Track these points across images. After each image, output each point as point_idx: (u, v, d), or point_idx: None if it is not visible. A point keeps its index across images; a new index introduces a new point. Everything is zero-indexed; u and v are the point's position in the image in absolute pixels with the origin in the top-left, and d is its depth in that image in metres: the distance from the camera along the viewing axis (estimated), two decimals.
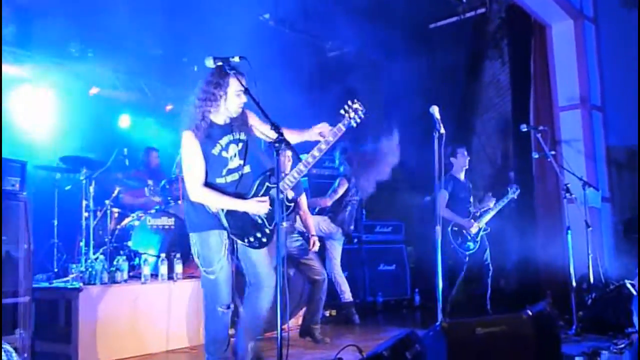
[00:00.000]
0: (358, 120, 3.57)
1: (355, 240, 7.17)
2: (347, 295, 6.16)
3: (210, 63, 3.16)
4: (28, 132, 6.33)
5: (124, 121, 7.51)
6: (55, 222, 5.66)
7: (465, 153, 5.97)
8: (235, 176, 3.44)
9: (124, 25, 6.13)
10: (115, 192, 5.93)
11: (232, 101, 3.35)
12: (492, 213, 5.88)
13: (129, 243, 5.60)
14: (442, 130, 3.62)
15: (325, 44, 8.78)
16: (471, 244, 5.77)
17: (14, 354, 3.15)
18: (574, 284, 5.32)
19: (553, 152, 6.05)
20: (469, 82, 7.62)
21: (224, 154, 3.40)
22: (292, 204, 3.59)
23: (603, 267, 6.28)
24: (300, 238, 5.15)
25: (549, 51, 7.55)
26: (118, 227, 5.89)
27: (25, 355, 3.59)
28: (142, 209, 6.08)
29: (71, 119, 6.71)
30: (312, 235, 5.24)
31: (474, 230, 5.79)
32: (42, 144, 6.34)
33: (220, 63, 3.15)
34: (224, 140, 3.39)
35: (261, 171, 3.57)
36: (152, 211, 5.85)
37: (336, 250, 6.18)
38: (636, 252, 6.16)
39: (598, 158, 7.34)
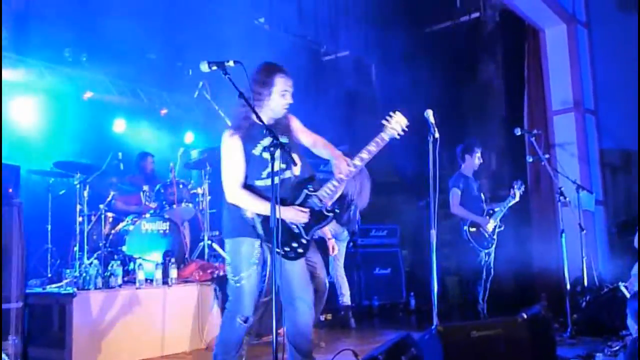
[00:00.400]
0: (401, 133, 3.39)
1: (351, 244, 7.17)
2: (347, 299, 6.11)
3: (205, 67, 3.09)
4: (22, 137, 6.30)
5: (119, 125, 7.49)
6: (49, 227, 5.64)
7: (480, 155, 5.90)
8: (276, 180, 3.27)
9: (118, 29, 6.12)
10: (110, 196, 5.91)
11: (277, 101, 3.27)
12: (503, 210, 5.78)
13: (124, 248, 5.58)
14: (437, 135, 3.62)
15: (320, 48, 8.80)
16: (488, 242, 5.70)
17: None
18: (568, 286, 5.34)
19: (547, 156, 6.08)
20: (463, 86, 7.64)
21: (265, 155, 3.25)
22: (331, 214, 3.38)
23: (597, 270, 6.30)
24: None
25: (542, 55, 7.60)
26: (112, 231, 5.87)
27: None
28: (136, 213, 6.07)
29: (65, 123, 6.69)
30: (330, 239, 5.21)
31: (490, 227, 5.69)
32: (35, 148, 6.32)
33: (215, 67, 3.09)
34: (266, 141, 3.24)
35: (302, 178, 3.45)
36: (147, 215, 5.84)
37: (340, 251, 6.15)
38: (630, 254, 6.19)
39: (592, 161, 7.38)
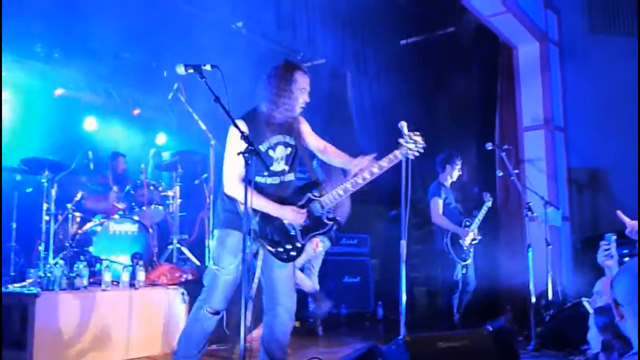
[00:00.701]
0: (416, 154, 3.33)
1: None
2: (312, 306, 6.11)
3: (181, 70, 3.05)
4: None
5: (90, 124, 7.38)
6: (14, 225, 5.52)
7: (460, 166, 5.92)
8: (276, 180, 3.28)
9: (93, 26, 6.04)
10: (78, 195, 5.81)
11: (296, 98, 3.26)
12: (478, 222, 5.82)
13: (91, 248, 5.49)
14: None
15: (297, 55, 8.82)
16: (466, 255, 5.73)
17: None
18: (533, 300, 5.43)
19: (516, 171, 6.18)
20: (437, 98, 7.73)
21: (270, 152, 3.24)
22: (331, 222, 3.34)
23: (561, 285, 6.43)
24: None
25: (515, 72, 7.75)
26: (79, 231, 5.77)
27: None
28: (104, 214, 5.98)
29: (35, 119, 6.56)
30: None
31: (468, 239, 5.73)
32: (3, 144, 6.18)
33: (191, 70, 3.05)
34: (274, 139, 3.24)
35: (305, 181, 3.43)
36: (116, 216, 5.76)
37: (318, 260, 6.11)
38: (593, 270, 6.32)
39: (559, 178, 7.53)
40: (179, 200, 6.27)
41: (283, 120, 3.29)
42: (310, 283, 5.99)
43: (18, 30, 6.21)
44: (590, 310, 4.87)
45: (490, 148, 5.92)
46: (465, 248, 5.72)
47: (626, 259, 3.59)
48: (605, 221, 7.00)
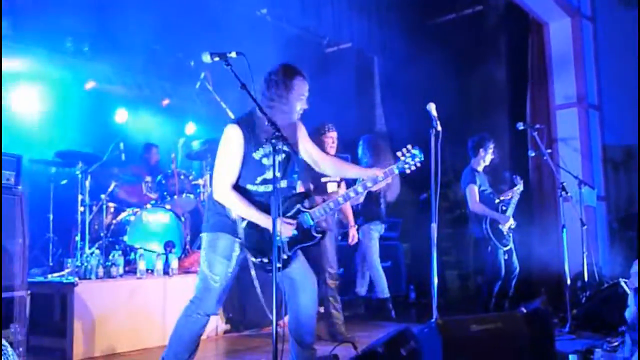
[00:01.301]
0: (413, 168, 3.29)
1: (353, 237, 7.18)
2: (381, 291, 6.15)
3: (206, 58, 3.02)
4: (23, 126, 6.30)
5: (121, 115, 7.49)
6: (51, 217, 5.65)
7: (492, 149, 5.82)
8: (269, 187, 3.13)
9: (121, 19, 6.10)
10: (112, 186, 5.92)
11: (293, 105, 3.16)
12: (514, 206, 5.74)
13: (125, 238, 5.59)
14: (439, 128, 3.62)
15: (323, 40, 8.77)
16: (507, 240, 5.66)
17: (9, 349, 3.14)
18: (568, 281, 5.35)
19: (549, 151, 6.06)
20: (466, 79, 7.61)
21: (264, 160, 3.15)
22: (319, 235, 3.27)
23: (597, 266, 6.30)
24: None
25: (546, 49, 7.57)
26: (114, 221, 5.88)
27: (20, 349, 3.58)
28: (137, 204, 6.08)
29: (67, 113, 6.68)
30: (352, 227, 5.22)
31: (508, 224, 5.66)
32: (37, 138, 6.32)
33: (217, 58, 3.00)
34: (269, 147, 3.07)
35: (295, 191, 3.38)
36: (149, 206, 5.85)
37: (375, 244, 6.16)
38: (630, 250, 6.19)
39: (594, 157, 7.37)
40: (209, 189, 6.33)
41: (280, 126, 3.10)
42: None
43: (48, 26, 6.32)
44: (629, 291, 4.78)
45: (521, 128, 5.79)
46: (505, 233, 5.65)
47: None
48: None
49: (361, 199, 5.72)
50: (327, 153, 4.92)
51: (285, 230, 3.11)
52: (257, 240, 3.12)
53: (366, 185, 3.29)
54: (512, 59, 7.73)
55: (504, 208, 5.73)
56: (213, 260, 3.15)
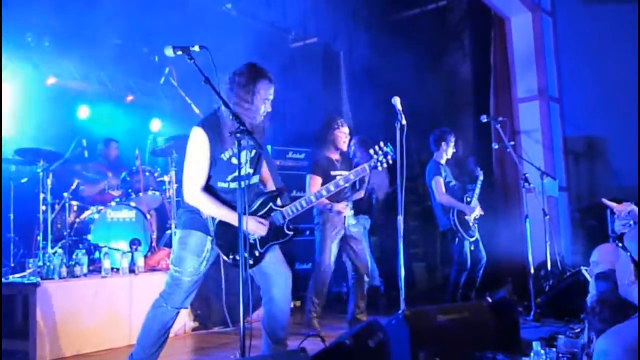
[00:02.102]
0: (385, 165, 3.44)
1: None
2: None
3: (169, 52, 2.98)
4: None
5: (83, 112, 7.33)
6: (11, 216, 5.50)
7: (454, 143, 5.89)
8: (242, 184, 3.12)
9: (82, 13, 5.98)
10: (74, 184, 5.79)
11: (257, 108, 3.14)
12: (475, 197, 5.83)
13: (89, 237, 5.49)
14: (404, 121, 3.65)
15: (288, 35, 8.74)
16: (472, 231, 5.74)
17: None
18: (532, 271, 5.47)
19: (512, 143, 6.17)
20: (431, 73, 7.69)
21: (233, 160, 3.12)
22: (291, 232, 3.32)
23: (560, 255, 6.45)
24: (359, 224, 5.22)
25: (508, 43, 7.70)
26: (77, 220, 5.76)
27: None
28: (101, 201, 5.97)
29: (27, 109, 6.50)
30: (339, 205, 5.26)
31: (474, 214, 5.74)
32: None
33: (180, 52, 2.97)
34: (236, 147, 3.00)
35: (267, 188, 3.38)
36: (113, 204, 5.75)
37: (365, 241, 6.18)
38: (591, 239, 6.35)
39: (555, 148, 7.53)
40: (175, 185, 6.25)
41: (247, 126, 3.08)
42: None
43: (8, 20, 6.14)
44: (590, 279, 4.91)
45: (485, 120, 5.90)
46: (471, 224, 5.73)
47: None
48: (602, 190, 7.01)
49: (361, 194, 5.73)
50: (340, 148, 5.03)
51: (259, 229, 3.16)
52: (229, 239, 3.12)
53: (338, 184, 3.41)
54: (476, 53, 7.84)
55: (468, 199, 5.80)
56: (184, 257, 3.17)
